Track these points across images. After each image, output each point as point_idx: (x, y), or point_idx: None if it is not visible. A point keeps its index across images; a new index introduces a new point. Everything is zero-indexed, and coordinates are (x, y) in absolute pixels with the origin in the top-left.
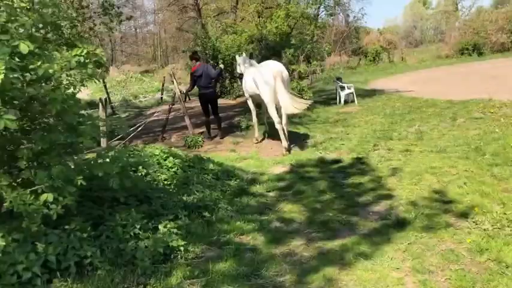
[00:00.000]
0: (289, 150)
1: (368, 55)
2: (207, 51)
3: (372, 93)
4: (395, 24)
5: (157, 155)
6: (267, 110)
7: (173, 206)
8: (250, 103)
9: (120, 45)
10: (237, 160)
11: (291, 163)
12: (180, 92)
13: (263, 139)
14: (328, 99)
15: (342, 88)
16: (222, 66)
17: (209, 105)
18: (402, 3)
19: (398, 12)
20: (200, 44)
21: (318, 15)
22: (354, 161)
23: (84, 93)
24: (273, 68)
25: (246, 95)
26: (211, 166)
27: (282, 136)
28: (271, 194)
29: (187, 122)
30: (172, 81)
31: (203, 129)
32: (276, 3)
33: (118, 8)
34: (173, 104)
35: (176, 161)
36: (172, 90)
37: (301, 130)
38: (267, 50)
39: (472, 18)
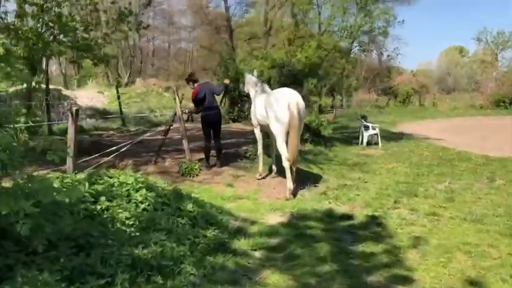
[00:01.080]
0: (293, 194)
1: (398, 96)
2: (229, 73)
3: (398, 136)
4: (429, 68)
5: (130, 184)
6: (275, 142)
7: (116, 262)
8: (257, 132)
9: (150, 59)
10: (230, 199)
11: (291, 211)
12: (182, 111)
13: (267, 175)
14: (349, 137)
15: (366, 128)
16: (227, 81)
17: (211, 129)
18: (438, 48)
19: (433, 57)
20: (223, 65)
21: (351, 50)
22: (368, 219)
23: (100, 101)
24: (289, 98)
25: (254, 122)
26: (189, 206)
27: (288, 175)
28: (256, 254)
29: (185, 145)
30: (175, 99)
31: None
32: (308, 33)
33: (135, 14)
34: (171, 125)
35: (149, 194)
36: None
37: (314, 169)
38: (288, 77)
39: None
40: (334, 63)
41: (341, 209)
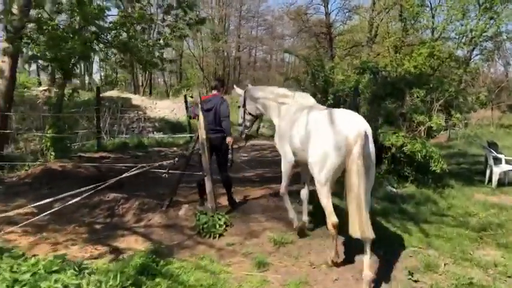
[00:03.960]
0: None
1: None
2: (317, 83)
3: None
4: None
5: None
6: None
7: None
8: (286, 166)
9: (247, 70)
10: None
11: None
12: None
13: (304, 225)
14: (470, 171)
15: (497, 161)
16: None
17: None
18: None
19: None
20: (311, 74)
21: (471, 58)
22: None
23: (181, 113)
24: (352, 123)
25: (281, 150)
26: None
27: (332, 244)
28: None
29: (207, 187)
30: (192, 117)
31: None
32: (418, 39)
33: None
34: (192, 152)
35: None
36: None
37: (413, 236)
38: (383, 86)
39: None
40: (448, 75)
41: None
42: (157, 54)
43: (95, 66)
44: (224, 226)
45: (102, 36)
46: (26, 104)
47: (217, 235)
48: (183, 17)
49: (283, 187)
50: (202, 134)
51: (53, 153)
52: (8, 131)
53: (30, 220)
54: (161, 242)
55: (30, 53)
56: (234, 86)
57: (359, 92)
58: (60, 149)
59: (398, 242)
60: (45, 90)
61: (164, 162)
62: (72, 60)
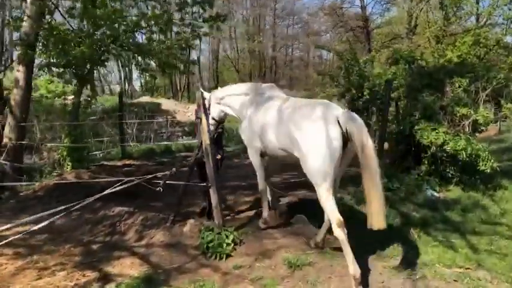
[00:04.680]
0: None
1: None
2: (351, 78)
3: None
4: None
5: None
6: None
7: None
8: (255, 158)
9: (284, 69)
10: None
11: None
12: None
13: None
14: None
15: None
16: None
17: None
18: None
19: None
20: (344, 68)
21: None
22: None
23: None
24: (337, 110)
25: (252, 150)
26: None
27: (349, 256)
28: None
29: (213, 201)
30: (197, 119)
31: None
32: (462, 27)
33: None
34: (196, 160)
35: None
36: None
37: (439, 244)
38: (420, 76)
39: None
40: (498, 63)
41: None
42: (178, 55)
43: (135, 74)
44: (232, 245)
45: (120, 39)
46: (55, 113)
47: (224, 255)
48: (202, 15)
49: (260, 182)
50: (205, 139)
51: (69, 163)
52: (24, 142)
53: (11, 238)
54: (159, 266)
55: (44, 60)
56: (200, 89)
57: (391, 84)
58: (77, 159)
59: (440, 261)
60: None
61: (158, 174)
62: (88, 65)
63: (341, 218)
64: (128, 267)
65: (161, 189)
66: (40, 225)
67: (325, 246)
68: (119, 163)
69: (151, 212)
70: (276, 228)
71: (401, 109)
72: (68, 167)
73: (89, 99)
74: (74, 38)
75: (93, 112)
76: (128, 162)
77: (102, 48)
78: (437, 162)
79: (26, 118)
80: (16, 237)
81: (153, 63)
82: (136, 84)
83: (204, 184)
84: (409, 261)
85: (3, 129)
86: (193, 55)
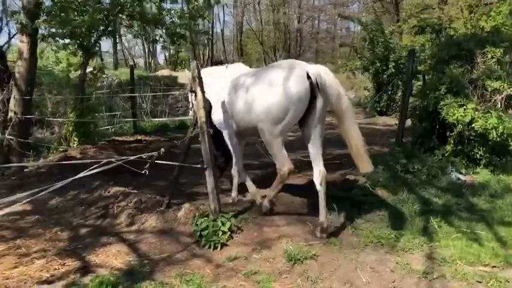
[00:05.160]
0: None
1: None
2: (376, 50)
3: None
4: None
5: None
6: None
7: None
8: (230, 139)
9: (310, 42)
10: None
11: None
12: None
13: None
14: None
15: None
16: None
17: None
18: None
19: None
20: (369, 40)
21: None
22: None
23: None
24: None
25: (224, 124)
26: None
27: (321, 206)
28: None
29: (208, 184)
30: (192, 92)
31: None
32: None
33: None
34: (192, 136)
35: None
36: None
37: (463, 236)
38: (448, 46)
39: None
40: None
41: None
42: (189, 25)
43: (158, 47)
44: (229, 233)
45: (126, 8)
46: (72, 86)
47: (219, 245)
48: None
49: (238, 164)
50: (201, 115)
51: (75, 138)
52: (30, 116)
53: None
54: (147, 255)
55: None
56: (185, 70)
57: (414, 55)
58: (83, 134)
59: (462, 256)
60: (91, 71)
61: (143, 155)
62: (94, 36)
63: (292, 167)
64: (113, 257)
65: (146, 172)
66: (5, 211)
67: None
68: (131, 138)
69: (152, 191)
70: (281, 214)
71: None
72: (75, 142)
73: (95, 71)
74: (78, 6)
75: (108, 86)
76: (139, 137)
77: (109, 18)
78: (464, 142)
79: (31, 91)
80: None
81: (162, 33)
82: (161, 58)
83: (199, 166)
84: (426, 256)
85: (8, 103)
86: (218, 28)
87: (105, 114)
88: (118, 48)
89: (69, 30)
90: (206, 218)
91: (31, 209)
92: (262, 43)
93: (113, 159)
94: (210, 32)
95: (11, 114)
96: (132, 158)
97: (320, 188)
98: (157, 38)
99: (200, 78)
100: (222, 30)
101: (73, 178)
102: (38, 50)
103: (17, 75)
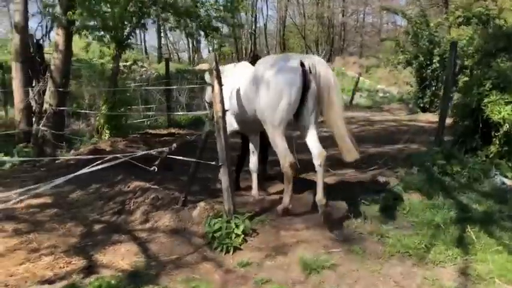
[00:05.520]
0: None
1: None
2: (420, 43)
3: None
4: None
5: None
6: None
7: None
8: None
9: (354, 36)
10: None
11: None
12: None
13: None
14: None
15: None
16: None
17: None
18: None
19: None
20: (412, 33)
21: None
22: None
23: None
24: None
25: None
26: None
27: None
28: None
29: (223, 183)
30: (210, 87)
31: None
32: None
33: None
34: (207, 135)
35: None
36: None
37: (503, 249)
38: (497, 38)
39: None
40: None
41: None
42: (224, 17)
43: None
44: (242, 236)
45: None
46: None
47: (232, 248)
48: None
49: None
50: (217, 109)
51: (107, 131)
52: (63, 108)
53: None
54: (156, 257)
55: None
56: (213, 52)
57: (456, 47)
58: (114, 127)
59: (502, 273)
60: (142, 65)
61: (153, 151)
62: (127, 28)
63: (293, 160)
64: (120, 257)
65: (155, 169)
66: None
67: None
68: (164, 131)
69: (176, 186)
70: (301, 215)
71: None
72: (106, 135)
73: (127, 64)
74: None
75: (146, 78)
76: (172, 131)
77: (142, 10)
78: (511, 142)
79: (66, 83)
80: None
81: (194, 26)
82: (205, 52)
83: (213, 163)
84: (460, 271)
85: (43, 94)
86: (261, 22)
87: (140, 107)
88: (163, 42)
89: (101, 22)
90: (220, 219)
91: (52, 201)
92: (304, 37)
93: (119, 155)
94: (254, 27)
95: (46, 105)
96: (139, 153)
97: (319, 168)
98: (191, 31)
99: (218, 71)
100: (265, 24)
101: (71, 175)
102: (84, 44)
103: (52, 67)
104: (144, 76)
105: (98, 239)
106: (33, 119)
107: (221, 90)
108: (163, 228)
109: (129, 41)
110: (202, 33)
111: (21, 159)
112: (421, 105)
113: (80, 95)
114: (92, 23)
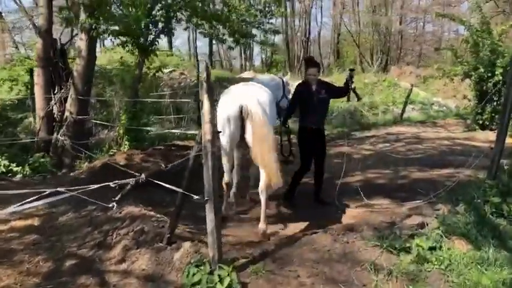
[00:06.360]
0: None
1: None
2: (480, 53)
3: None
4: None
5: None
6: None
7: None
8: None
9: (413, 45)
10: None
11: None
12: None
13: None
14: None
15: None
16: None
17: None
18: None
19: None
20: (472, 42)
21: None
22: None
23: None
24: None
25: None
26: None
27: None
28: None
29: (208, 222)
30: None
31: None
32: None
33: None
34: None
35: None
36: None
37: None
38: None
39: None
40: None
41: None
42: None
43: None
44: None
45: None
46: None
47: None
48: None
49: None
50: (206, 130)
51: (127, 142)
52: (85, 117)
53: None
54: None
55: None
56: (205, 60)
57: None
58: (134, 138)
59: None
60: (181, 72)
61: (112, 183)
62: (151, 34)
63: (228, 181)
64: None
65: (114, 206)
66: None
67: None
68: (193, 143)
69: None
70: (311, 262)
71: None
72: (125, 146)
73: (151, 71)
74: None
75: (184, 86)
76: None
77: (171, 14)
78: None
79: (88, 91)
80: None
81: (225, 32)
82: (258, 60)
83: (198, 197)
84: None
85: (65, 102)
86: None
87: (172, 116)
88: (214, 49)
89: (123, 28)
90: (202, 268)
91: (38, 224)
92: (358, 45)
93: (62, 189)
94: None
95: (67, 113)
96: (93, 186)
97: (261, 197)
98: (223, 37)
99: (209, 83)
100: (319, 32)
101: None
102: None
103: (75, 73)
104: (182, 84)
105: (61, 282)
106: (54, 127)
107: (212, 107)
108: (138, 272)
109: (154, 47)
110: (230, 39)
111: (17, 175)
112: (480, 121)
113: (112, 102)
114: (114, 27)
